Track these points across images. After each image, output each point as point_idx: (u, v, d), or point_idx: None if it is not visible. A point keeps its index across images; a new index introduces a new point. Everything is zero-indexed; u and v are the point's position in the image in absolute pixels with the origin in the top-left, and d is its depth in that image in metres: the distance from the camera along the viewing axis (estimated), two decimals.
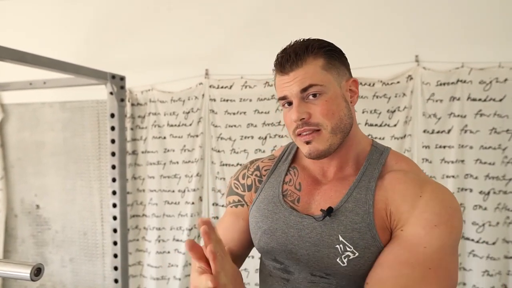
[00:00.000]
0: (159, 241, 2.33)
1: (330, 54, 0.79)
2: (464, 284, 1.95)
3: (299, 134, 0.78)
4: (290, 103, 0.79)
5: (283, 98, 0.79)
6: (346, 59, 0.83)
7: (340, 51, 0.83)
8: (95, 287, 2.56)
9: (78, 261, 2.59)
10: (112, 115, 1.73)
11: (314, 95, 0.76)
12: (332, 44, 0.83)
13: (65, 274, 2.63)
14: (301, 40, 0.81)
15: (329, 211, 0.76)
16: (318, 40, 0.81)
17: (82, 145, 2.55)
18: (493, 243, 1.88)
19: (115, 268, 1.78)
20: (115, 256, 1.78)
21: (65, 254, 2.62)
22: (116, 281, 1.77)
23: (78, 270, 2.60)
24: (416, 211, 0.71)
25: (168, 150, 2.33)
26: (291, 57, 0.77)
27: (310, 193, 0.83)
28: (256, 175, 0.94)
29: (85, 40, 2.48)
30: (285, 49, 0.81)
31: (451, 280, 0.68)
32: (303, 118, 0.76)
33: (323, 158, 0.80)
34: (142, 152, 2.37)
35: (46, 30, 2.54)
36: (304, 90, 0.76)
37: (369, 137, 1.74)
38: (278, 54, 0.81)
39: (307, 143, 0.78)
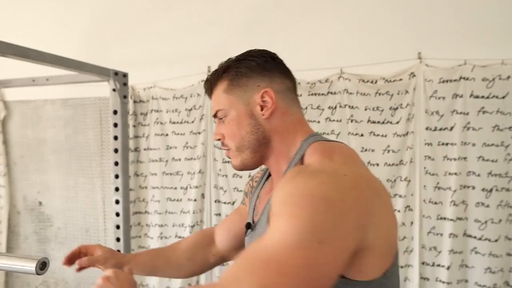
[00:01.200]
0: (161, 238, 2.34)
1: (234, 75, 0.79)
2: (466, 281, 1.95)
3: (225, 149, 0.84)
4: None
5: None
6: (264, 69, 0.79)
7: (252, 65, 0.79)
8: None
9: None
10: (115, 112, 1.74)
11: (222, 118, 0.82)
12: (243, 60, 0.81)
13: (67, 271, 2.63)
14: (223, 62, 0.85)
15: (247, 226, 0.79)
16: (228, 62, 0.83)
17: (84, 142, 2.55)
18: (496, 240, 1.88)
19: None
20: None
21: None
22: None
23: None
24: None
25: (171, 147, 2.33)
26: (207, 85, 0.86)
27: (262, 203, 0.84)
28: (250, 184, 0.98)
29: (86, 37, 2.48)
30: (208, 76, 0.88)
31: (288, 277, 0.52)
32: (219, 139, 0.83)
33: (249, 170, 0.83)
34: (145, 149, 2.38)
35: (47, 27, 2.54)
36: (215, 116, 0.83)
37: (361, 136, 1.72)
38: None
39: (229, 157, 0.84)
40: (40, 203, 2.66)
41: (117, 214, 1.74)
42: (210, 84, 0.85)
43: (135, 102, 2.37)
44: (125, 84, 1.77)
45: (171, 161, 2.34)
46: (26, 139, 2.66)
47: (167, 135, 2.34)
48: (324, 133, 2.10)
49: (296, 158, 0.75)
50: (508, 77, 1.85)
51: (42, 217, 2.67)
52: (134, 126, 2.37)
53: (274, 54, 0.85)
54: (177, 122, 2.31)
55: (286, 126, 0.78)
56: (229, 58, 0.85)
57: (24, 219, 2.70)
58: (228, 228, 0.98)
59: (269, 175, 0.89)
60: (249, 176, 1.14)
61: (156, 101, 2.34)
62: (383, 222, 0.63)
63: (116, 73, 1.72)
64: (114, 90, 1.72)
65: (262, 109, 0.77)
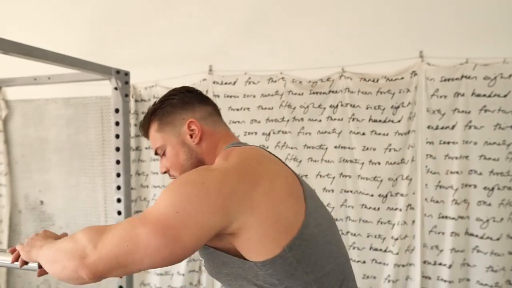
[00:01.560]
0: None
1: (161, 115, 0.91)
2: (468, 280, 1.95)
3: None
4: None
5: None
6: (184, 103, 0.92)
7: (172, 105, 0.92)
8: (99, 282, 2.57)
9: None
10: (117, 110, 1.74)
11: (163, 153, 0.92)
12: (165, 100, 0.93)
13: None
14: (150, 106, 0.97)
15: None
16: (154, 105, 0.95)
17: (85, 141, 2.55)
18: (497, 239, 1.88)
19: None
20: None
21: None
22: (120, 276, 1.77)
23: None
24: None
25: None
26: (142, 129, 0.97)
27: None
28: None
29: (87, 37, 2.48)
30: (140, 121, 0.99)
31: (147, 230, 0.69)
32: (165, 171, 0.93)
33: None
34: (146, 148, 2.38)
35: (48, 26, 2.54)
36: (156, 153, 0.94)
37: (362, 135, 1.73)
38: None
39: None
40: (42, 202, 2.67)
41: (119, 213, 1.74)
42: (144, 127, 0.96)
43: (136, 101, 2.37)
44: (127, 82, 1.77)
45: None
46: (27, 138, 2.66)
47: None
48: (325, 132, 2.10)
49: None
50: (510, 75, 1.85)
51: (43, 216, 2.67)
52: (135, 125, 2.37)
53: (192, 88, 0.98)
54: None
55: (214, 145, 0.90)
56: (155, 102, 0.96)
57: (25, 218, 2.70)
58: None
59: None
60: None
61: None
62: (264, 206, 0.72)
63: (118, 72, 1.72)
64: (115, 88, 1.73)
65: (191, 137, 0.89)
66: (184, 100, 0.93)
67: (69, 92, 2.53)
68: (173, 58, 2.34)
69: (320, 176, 2.12)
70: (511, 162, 1.87)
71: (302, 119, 2.13)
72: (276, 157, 0.87)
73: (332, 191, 2.10)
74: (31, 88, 2.41)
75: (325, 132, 2.10)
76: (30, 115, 2.66)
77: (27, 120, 2.66)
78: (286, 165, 0.86)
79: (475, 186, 1.91)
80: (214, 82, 2.25)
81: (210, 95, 2.25)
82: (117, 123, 1.76)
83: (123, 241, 0.69)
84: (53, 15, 2.55)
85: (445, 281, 1.94)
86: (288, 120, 2.14)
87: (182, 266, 2.29)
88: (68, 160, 2.59)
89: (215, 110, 0.97)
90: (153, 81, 2.35)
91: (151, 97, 2.36)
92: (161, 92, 2.34)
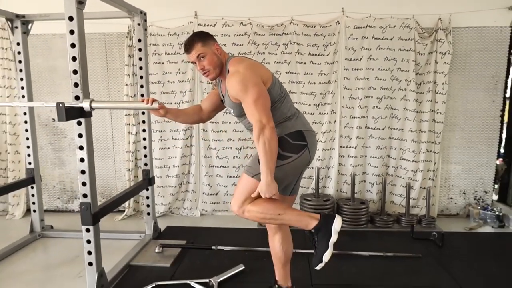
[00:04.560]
0: (161, 140, 3.18)
1: (203, 39, 1.65)
2: (366, 156, 3.13)
3: (204, 74, 1.69)
4: (195, 62, 1.69)
5: (192, 62, 1.70)
6: (211, 38, 1.69)
7: (207, 35, 1.68)
8: (107, 179, 3.35)
9: None
10: (139, 40, 2.48)
11: (203, 57, 1.65)
12: (204, 33, 1.69)
13: None
14: (192, 35, 1.70)
15: (221, 98, 1.80)
16: (194, 36, 1.67)
17: (92, 69, 3.19)
18: (383, 129, 3.07)
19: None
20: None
21: None
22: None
23: None
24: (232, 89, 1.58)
25: (166, 73, 3.12)
26: (187, 47, 1.66)
27: (223, 88, 1.72)
28: (213, 83, 1.92)
29: None
30: (185, 42, 1.67)
31: (256, 98, 1.49)
32: (202, 68, 1.66)
33: (216, 79, 1.72)
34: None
35: None
36: (197, 57, 1.65)
37: (304, 64, 2.80)
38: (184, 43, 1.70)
39: (207, 76, 1.68)
40: (54, 119, 3.29)
41: (143, 113, 2.54)
42: (190, 45, 1.65)
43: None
44: (145, 20, 2.51)
45: (167, 83, 3.13)
46: (37, 67, 3.21)
47: (163, 63, 3.11)
48: (279, 62, 3.05)
49: (226, 67, 1.67)
50: (394, 26, 2.94)
51: (55, 131, 3.32)
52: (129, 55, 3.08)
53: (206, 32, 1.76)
54: (171, 53, 3.09)
55: (224, 55, 1.70)
56: (193, 33, 1.71)
57: (38, 133, 3.29)
58: (210, 99, 1.90)
59: (219, 79, 1.77)
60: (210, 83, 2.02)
61: (154, 37, 3.08)
62: (265, 76, 1.60)
63: (141, 12, 2.45)
64: (139, 24, 2.46)
65: (218, 51, 1.68)
66: (208, 34, 1.72)
67: None
68: (166, 4, 3.06)
69: None
70: (393, 81, 3.02)
71: (264, 53, 3.05)
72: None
73: None
74: (38, 24, 2.96)
75: (279, 62, 3.06)
76: (38, 47, 3.20)
77: (36, 51, 3.20)
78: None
79: (371, 97, 3.04)
80: (198, 24, 3.04)
81: None
82: (140, 49, 2.51)
83: (260, 105, 1.49)
84: None
85: (352, 157, 3.11)
86: (253, 54, 3.04)
87: (176, 161, 3.18)
88: None
89: None
90: (149, 22, 3.05)
91: (148, 34, 3.07)
92: (156, 31, 3.07)
